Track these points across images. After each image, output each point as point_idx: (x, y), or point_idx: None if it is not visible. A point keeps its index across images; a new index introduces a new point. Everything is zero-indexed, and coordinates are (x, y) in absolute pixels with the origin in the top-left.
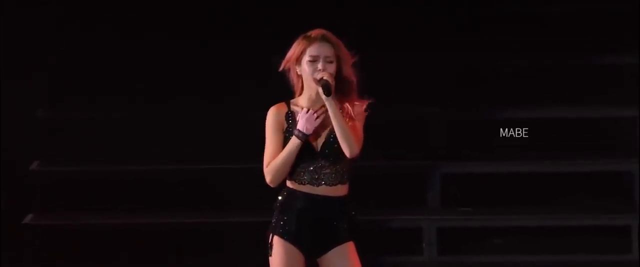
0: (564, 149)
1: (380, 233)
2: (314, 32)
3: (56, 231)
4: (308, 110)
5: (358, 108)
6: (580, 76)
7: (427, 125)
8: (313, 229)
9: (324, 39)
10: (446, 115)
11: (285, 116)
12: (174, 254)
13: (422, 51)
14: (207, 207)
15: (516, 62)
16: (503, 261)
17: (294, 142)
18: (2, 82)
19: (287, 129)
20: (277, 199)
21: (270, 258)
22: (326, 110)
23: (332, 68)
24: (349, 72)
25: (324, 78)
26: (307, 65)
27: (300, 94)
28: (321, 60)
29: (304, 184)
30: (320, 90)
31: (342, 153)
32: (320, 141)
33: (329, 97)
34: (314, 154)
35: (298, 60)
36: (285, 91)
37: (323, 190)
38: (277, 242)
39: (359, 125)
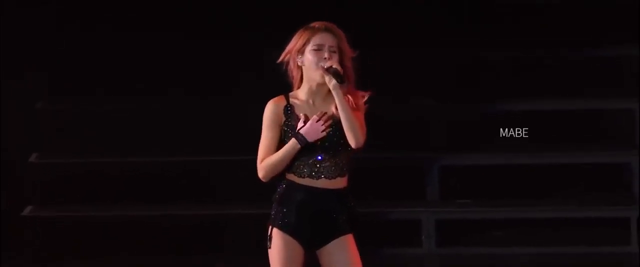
0: (564, 141)
1: (380, 225)
2: (317, 23)
3: (55, 223)
4: (319, 119)
5: (359, 100)
6: (580, 68)
7: (427, 118)
8: (312, 221)
9: (328, 29)
10: (445, 107)
11: (284, 109)
12: (173, 247)
13: (421, 44)
14: (205, 200)
15: (516, 55)
16: (502, 253)
17: (293, 145)
18: (2, 76)
19: (286, 123)
20: (276, 191)
21: (269, 250)
22: (330, 116)
23: (336, 58)
24: (349, 65)
25: (333, 66)
26: (312, 54)
27: (299, 87)
28: (326, 49)
29: (304, 177)
30: (328, 78)
31: (342, 146)
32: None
33: (337, 87)
34: (313, 147)
35: (300, 51)
36: (283, 84)
37: (322, 183)
38: (276, 234)
39: (361, 116)
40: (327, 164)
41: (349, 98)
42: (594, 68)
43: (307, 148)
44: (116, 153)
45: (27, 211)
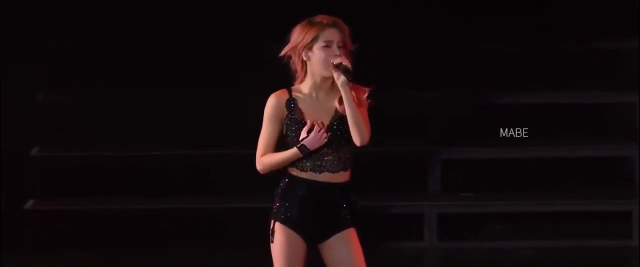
0: (565, 134)
1: (382, 219)
2: (324, 18)
3: (57, 216)
4: (320, 128)
5: (361, 95)
6: (581, 62)
7: (429, 111)
8: (315, 215)
9: (335, 25)
10: (447, 101)
11: (286, 103)
12: (174, 240)
13: (422, 36)
14: (206, 193)
15: (517, 48)
16: (504, 247)
17: (295, 153)
18: (2, 69)
19: (288, 116)
20: (279, 185)
21: (271, 244)
22: (331, 124)
23: (344, 54)
24: (350, 59)
25: (343, 63)
26: (321, 50)
27: (302, 81)
28: (335, 45)
29: (306, 171)
30: (337, 74)
31: (345, 140)
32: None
33: (345, 83)
34: None
35: (307, 46)
36: (283, 77)
37: (325, 177)
38: (278, 228)
39: (365, 112)
40: (330, 157)
41: (352, 94)
42: (595, 61)
43: None
44: (117, 146)
45: (29, 204)
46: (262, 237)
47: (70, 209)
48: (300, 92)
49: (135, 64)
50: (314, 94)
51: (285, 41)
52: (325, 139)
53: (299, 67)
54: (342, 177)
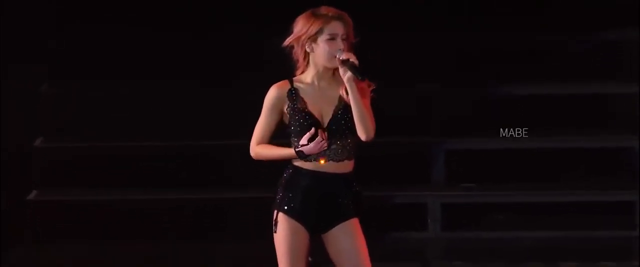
0: (566, 125)
1: (385, 209)
2: (329, 10)
3: (60, 207)
4: (322, 140)
5: (364, 85)
6: (582, 53)
7: (432, 102)
8: (318, 205)
9: (340, 17)
10: (449, 92)
11: (288, 93)
12: (177, 230)
13: (424, 28)
14: (209, 184)
15: (519, 40)
16: (507, 237)
17: (291, 154)
18: (6, 60)
19: (291, 106)
20: (282, 176)
21: (274, 234)
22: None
23: (348, 47)
24: (353, 51)
25: (351, 60)
26: (326, 43)
27: (304, 71)
28: (339, 38)
29: (311, 161)
30: (343, 70)
31: (349, 129)
32: (327, 117)
33: (352, 79)
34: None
35: (312, 38)
36: (284, 69)
37: (329, 166)
38: (281, 218)
39: (368, 103)
40: (335, 146)
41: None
42: (596, 52)
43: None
44: (120, 137)
45: (32, 195)
46: (264, 228)
47: (74, 199)
48: (301, 82)
49: (139, 55)
50: (315, 83)
51: (286, 34)
52: (325, 148)
53: (301, 57)
54: (346, 166)
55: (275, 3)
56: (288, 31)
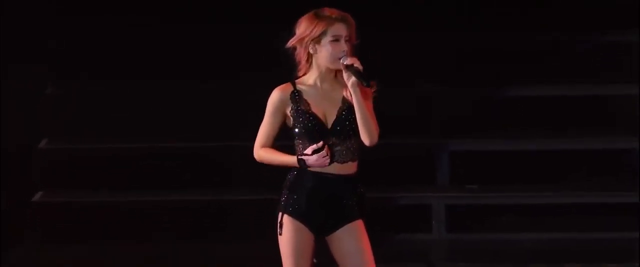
0: (568, 126)
1: (390, 211)
2: (333, 12)
3: (65, 208)
4: (326, 154)
5: (366, 89)
6: (582, 54)
7: (436, 104)
8: (323, 207)
9: (344, 19)
10: (453, 93)
11: (291, 95)
12: (178, 231)
13: (428, 28)
14: (211, 185)
15: (519, 41)
16: (511, 239)
17: (293, 163)
18: (6, 60)
19: (294, 108)
20: (287, 177)
21: (279, 236)
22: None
23: (351, 49)
24: (354, 52)
25: (355, 65)
26: (330, 45)
27: (306, 72)
28: (343, 41)
29: None
30: (347, 75)
31: (353, 130)
32: (330, 118)
33: (356, 84)
34: (324, 131)
35: (315, 40)
36: (286, 71)
37: (334, 168)
38: (286, 220)
39: (370, 105)
40: (339, 148)
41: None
42: (595, 54)
43: (318, 134)
44: (126, 138)
45: (37, 197)
46: (265, 229)
47: (79, 201)
48: (304, 83)
49: (137, 62)
50: (318, 85)
51: (287, 34)
52: (327, 164)
53: (303, 58)
54: (351, 168)
55: (276, 3)
56: (289, 31)
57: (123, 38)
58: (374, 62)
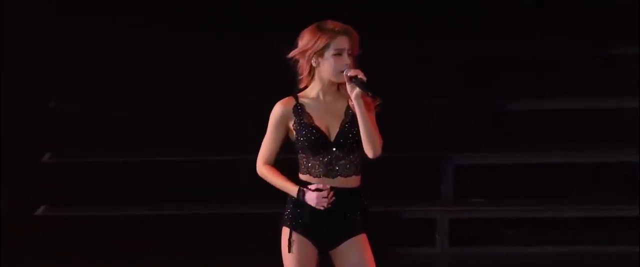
0: (569, 140)
1: (394, 224)
2: (336, 25)
3: (68, 222)
4: (327, 195)
5: (369, 99)
6: (584, 68)
7: (441, 117)
8: (326, 221)
9: (347, 32)
10: (457, 107)
11: (294, 109)
12: (183, 246)
13: (433, 42)
14: (217, 199)
15: (523, 54)
16: (515, 252)
17: (292, 190)
18: (14, 75)
19: (296, 122)
20: None
21: (282, 250)
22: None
23: (354, 62)
24: (356, 64)
25: (359, 76)
26: (333, 59)
27: (307, 84)
28: (345, 54)
29: (319, 177)
30: (350, 87)
31: (356, 143)
32: (333, 131)
33: (359, 96)
34: (327, 144)
35: (318, 53)
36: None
37: (338, 182)
38: (289, 234)
39: (373, 116)
40: (343, 161)
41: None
42: (597, 67)
43: (321, 146)
44: (129, 152)
45: (41, 210)
46: (267, 243)
47: (82, 215)
48: (306, 97)
49: (141, 76)
50: (321, 98)
51: (291, 46)
52: (324, 207)
53: (306, 71)
54: (354, 181)
55: (273, 12)
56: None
57: (127, 52)
58: (377, 74)
